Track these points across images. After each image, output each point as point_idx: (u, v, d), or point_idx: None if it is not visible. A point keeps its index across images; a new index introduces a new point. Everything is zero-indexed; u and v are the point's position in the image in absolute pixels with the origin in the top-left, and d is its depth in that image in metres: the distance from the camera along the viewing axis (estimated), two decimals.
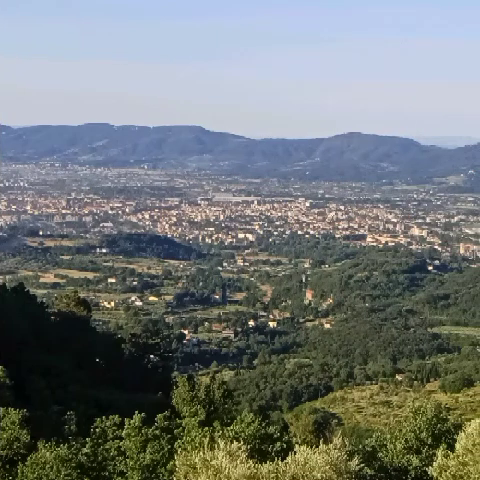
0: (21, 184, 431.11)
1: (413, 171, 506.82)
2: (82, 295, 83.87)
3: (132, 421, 23.31)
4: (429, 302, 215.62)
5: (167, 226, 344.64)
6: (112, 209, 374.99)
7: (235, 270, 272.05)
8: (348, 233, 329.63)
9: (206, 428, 21.97)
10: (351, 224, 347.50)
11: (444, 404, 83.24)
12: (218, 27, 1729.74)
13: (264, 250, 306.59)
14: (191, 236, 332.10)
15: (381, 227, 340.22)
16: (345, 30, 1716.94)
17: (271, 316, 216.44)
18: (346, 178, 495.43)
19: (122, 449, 22.81)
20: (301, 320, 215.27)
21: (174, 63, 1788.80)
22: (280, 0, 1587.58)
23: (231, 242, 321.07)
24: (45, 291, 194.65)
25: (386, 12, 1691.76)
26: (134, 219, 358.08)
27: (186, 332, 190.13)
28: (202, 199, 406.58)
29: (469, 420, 17.89)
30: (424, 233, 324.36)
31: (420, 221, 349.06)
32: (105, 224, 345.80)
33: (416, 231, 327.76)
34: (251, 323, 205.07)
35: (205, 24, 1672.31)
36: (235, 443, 15.38)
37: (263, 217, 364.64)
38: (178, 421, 25.30)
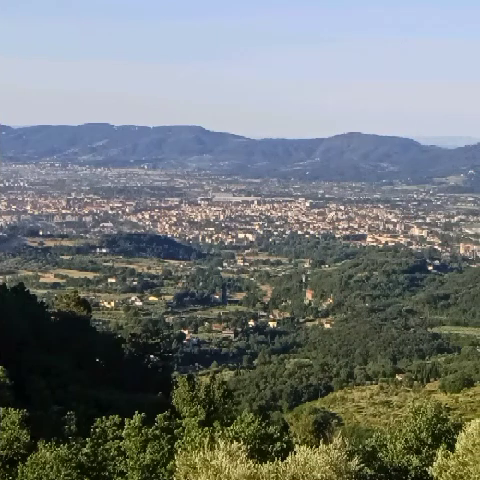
0: (21, 184, 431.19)
1: (413, 171, 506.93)
2: (82, 295, 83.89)
3: (132, 421, 23.30)
4: (429, 302, 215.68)
5: (167, 226, 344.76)
6: (112, 209, 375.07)
7: (235, 270, 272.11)
8: (348, 233, 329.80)
9: (206, 428, 21.97)
10: (351, 224, 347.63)
11: (444, 404, 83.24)
12: (218, 27, 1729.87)
13: (264, 250, 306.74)
14: (191, 236, 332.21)
15: (381, 227, 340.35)
16: (345, 30, 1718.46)
17: (271, 316, 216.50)
18: (346, 178, 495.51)
19: (122, 449, 22.81)
20: (301, 320, 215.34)
21: (174, 63, 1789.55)
22: (280, 0, 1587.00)
23: (231, 242, 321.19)
24: (45, 291, 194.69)
25: (386, 12, 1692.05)
26: (134, 219, 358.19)
27: (186, 332, 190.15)
28: (202, 199, 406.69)
29: (469, 420, 17.90)
30: (424, 233, 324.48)
31: (420, 221, 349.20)
32: (105, 224, 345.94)
33: (416, 231, 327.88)
34: (251, 323, 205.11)
35: (205, 24, 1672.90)
36: (235, 443, 15.38)
37: (263, 217, 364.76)
38: (178, 421, 25.30)
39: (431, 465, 16.48)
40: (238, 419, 21.67)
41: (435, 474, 15.90)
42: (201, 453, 14.96)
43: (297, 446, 15.47)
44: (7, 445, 24.39)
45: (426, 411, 21.69)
